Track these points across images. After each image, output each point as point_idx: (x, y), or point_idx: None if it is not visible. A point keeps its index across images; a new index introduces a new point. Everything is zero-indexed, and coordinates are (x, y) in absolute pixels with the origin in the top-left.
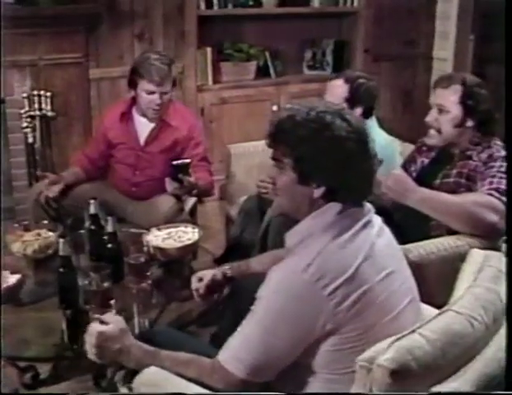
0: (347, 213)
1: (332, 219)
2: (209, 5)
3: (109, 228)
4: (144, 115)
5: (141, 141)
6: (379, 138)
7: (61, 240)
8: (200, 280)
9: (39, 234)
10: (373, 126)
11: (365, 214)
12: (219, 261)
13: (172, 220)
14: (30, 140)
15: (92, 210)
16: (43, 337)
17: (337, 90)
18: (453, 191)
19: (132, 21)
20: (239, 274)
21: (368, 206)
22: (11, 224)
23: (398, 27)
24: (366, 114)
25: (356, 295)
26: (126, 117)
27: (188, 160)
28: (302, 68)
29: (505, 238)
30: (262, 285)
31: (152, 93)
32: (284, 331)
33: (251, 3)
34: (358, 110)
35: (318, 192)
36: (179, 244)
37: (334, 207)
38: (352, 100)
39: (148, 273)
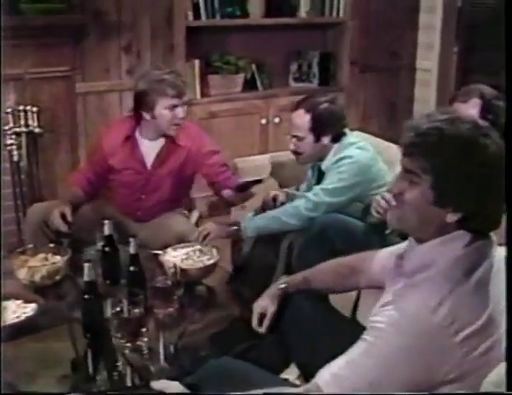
0: (476, 246)
1: (461, 252)
2: (197, 16)
3: (132, 250)
4: (150, 137)
5: (148, 164)
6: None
7: (86, 265)
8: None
9: (46, 259)
10: (353, 143)
11: (491, 248)
12: (230, 280)
13: (185, 239)
14: (16, 158)
15: (107, 231)
16: (47, 369)
17: (299, 121)
18: None
19: (119, 33)
20: (296, 291)
21: (493, 237)
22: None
23: (383, 38)
24: (336, 140)
25: (485, 345)
26: (129, 140)
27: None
28: (288, 81)
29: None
30: (377, 314)
31: (175, 107)
32: (402, 371)
33: (238, 14)
34: (325, 139)
35: (452, 218)
36: (200, 265)
37: (463, 237)
38: (318, 130)
39: (175, 297)
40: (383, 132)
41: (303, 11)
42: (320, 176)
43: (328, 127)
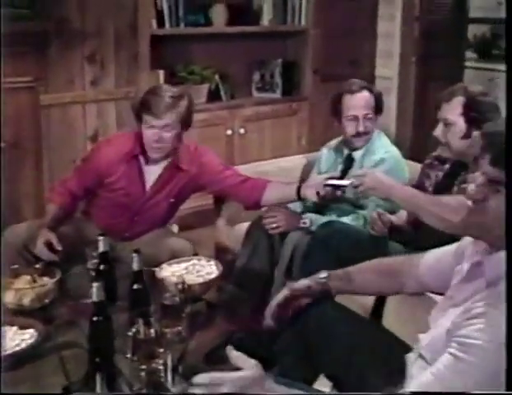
0: None
1: None
2: (161, 24)
3: (135, 266)
4: (152, 158)
5: (147, 187)
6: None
7: (95, 284)
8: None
9: (33, 281)
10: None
11: None
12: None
13: (181, 255)
14: None
15: (102, 247)
16: None
17: (367, 101)
18: None
19: (82, 42)
20: (337, 288)
21: None
22: None
23: (343, 47)
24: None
25: None
26: (131, 159)
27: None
28: (251, 91)
29: None
30: (463, 327)
31: (152, 127)
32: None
33: (202, 22)
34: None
35: None
36: (202, 279)
37: None
38: (379, 108)
39: (183, 314)
40: None
41: (266, 19)
42: (348, 166)
43: (381, 107)
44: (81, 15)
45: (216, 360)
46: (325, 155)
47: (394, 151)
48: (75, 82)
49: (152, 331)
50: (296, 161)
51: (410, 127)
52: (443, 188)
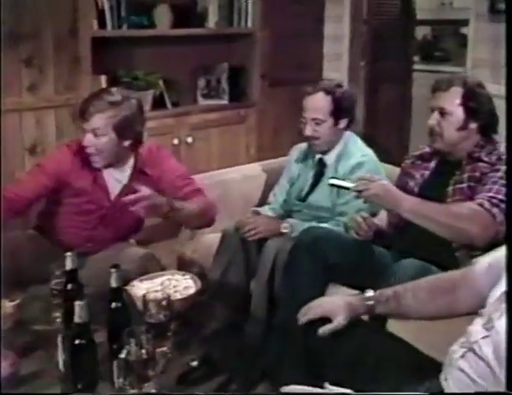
0: None
1: None
2: (102, 24)
3: (114, 282)
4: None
5: (112, 195)
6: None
7: (78, 303)
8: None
9: None
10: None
11: None
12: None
13: (149, 271)
14: None
15: (69, 265)
16: None
17: (320, 103)
18: (469, 197)
19: (18, 44)
20: (384, 311)
21: None
22: None
23: (290, 50)
24: (348, 127)
25: None
26: (90, 163)
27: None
28: (197, 97)
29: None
30: None
31: (84, 131)
32: None
33: (146, 23)
34: (342, 123)
35: None
36: (180, 295)
37: None
38: (337, 113)
39: (169, 333)
40: None
41: (212, 21)
42: (321, 171)
43: (346, 110)
44: (17, 15)
45: (190, 382)
46: (295, 158)
47: (371, 154)
48: (14, 87)
49: (144, 352)
50: (260, 168)
51: (361, 129)
52: (433, 187)
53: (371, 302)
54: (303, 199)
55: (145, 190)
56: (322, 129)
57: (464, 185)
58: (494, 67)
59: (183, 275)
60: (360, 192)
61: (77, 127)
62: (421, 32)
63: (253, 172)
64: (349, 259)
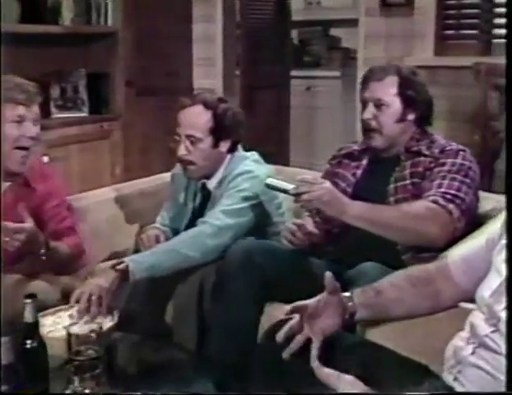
0: None
1: None
2: None
3: (29, 316)
4: None
5: None
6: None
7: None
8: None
9: None
10: (247, 157)
11: None
12: None
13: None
14: None
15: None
16: None
17: (197, 118)
18: (413, 194)
19: None
20: (364, 304)
21: None
22: None
23: (158, 54)
24: (232, 150)
25: None
26: None
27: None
28: (50, 109)
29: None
30: None
31: (23, 120)
32: None
33: None
34: (224, 146)
35: None
36: (99, 328)
37: None
38: (219, 132)
39: (98, 370)
40: (164, 167)
41: (67, 18)
42: (205, 198)
43: (230, 129)
44: None
45: None
46: (177, 182)
47: (258, 170)
48: None
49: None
50: (160, 182)
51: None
52: (370, 187)
53: (350, 303)
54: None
55: (29, 222)
56: (198, 151)
57: (407, 182)
58: None
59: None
60: (298, 195)
61: None
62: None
63: (152, 187)
64: (288, 272)
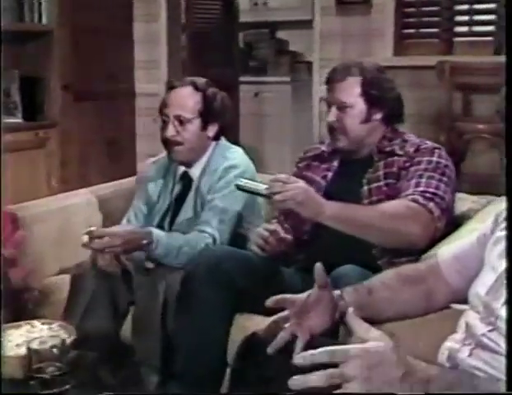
0: None
1: None
2: None
3: None
4: None
5: None
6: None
7: None
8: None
9: None
10: (230, 146)
11: None
12: None
13: None
14: None
15: None
16: None
17: (187, 100)
18: (388, 195)
19: None
20: (355, 303)
21: None
22: None
23: (99, 55)
24: (217, 136)
25: None
26: None
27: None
28: None
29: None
30: None
31: None
32: None
33: None
34: (212, 130)
35: None
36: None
37: None
38: (208, 115)
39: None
40: (104, 178)
41: None
42: (185, 188)
43: (218, 113)
44: None
45: None
46: (151, 175)
47: (242, 158)
48: None
49: None
50: (85, 197)
51: None
52: (342, 190)
53: (342, 302)
54: (169, 225)
55: None
56: (187, 132)
57: (381, 183)
58: None
59: (43, 323)
60: (272, 196)
61: None
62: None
63: (77, 201)
64: (259, 281)
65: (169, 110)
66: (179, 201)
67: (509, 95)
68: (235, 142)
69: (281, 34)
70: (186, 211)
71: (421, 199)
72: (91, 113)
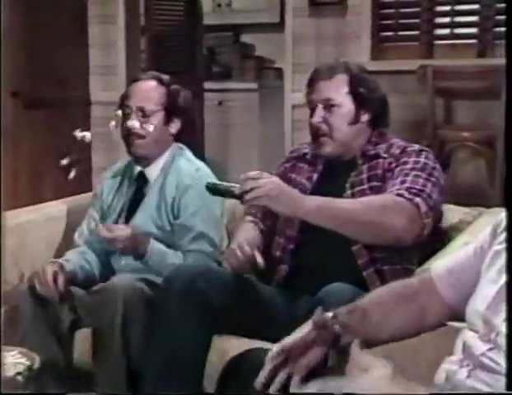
0: None
1: None
2: None
3: None
4: None
5: None
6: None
7: None
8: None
9: None
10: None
11: None
12: None
13: None
14: None
15: None
16: None
17: (152, 92)
18: None
19: None
20: (349, 329)
21: None
22: None
23: (51, 60)
24: (178, 136)
25: None
26: None
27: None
28: None
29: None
30: None
31: None
32: None
33: None
34: (174, 126)
35: None
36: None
37: None
38: (172, 109)
39: None
40: (59, 193)
41: None
42: (140, 189)
43: (181, 109)
44: None
45: None
46: (106, 180)
47: (205, 168)
48: None
49: None
50: (60, 206)
51: None
52: (327, 192)
53: (336, 326)
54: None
55: None
56: (149, 125)
57: (365, 187)
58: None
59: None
60: (240, 196)
61: None
62: None
63: (54, 210)
64: (236, 300)
65: (131, 102)
66: (135, 201)
67: (509, 97)
68: (201, 155)
69: (247, 38)
70: (145, 211)
71: (406, 194)
72: (43, 121)
